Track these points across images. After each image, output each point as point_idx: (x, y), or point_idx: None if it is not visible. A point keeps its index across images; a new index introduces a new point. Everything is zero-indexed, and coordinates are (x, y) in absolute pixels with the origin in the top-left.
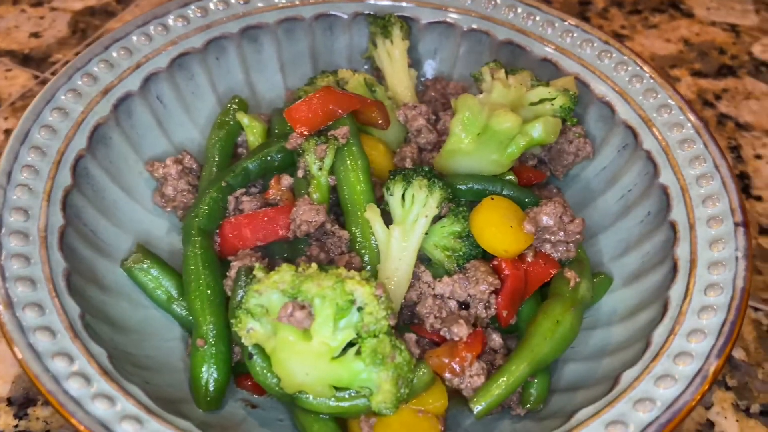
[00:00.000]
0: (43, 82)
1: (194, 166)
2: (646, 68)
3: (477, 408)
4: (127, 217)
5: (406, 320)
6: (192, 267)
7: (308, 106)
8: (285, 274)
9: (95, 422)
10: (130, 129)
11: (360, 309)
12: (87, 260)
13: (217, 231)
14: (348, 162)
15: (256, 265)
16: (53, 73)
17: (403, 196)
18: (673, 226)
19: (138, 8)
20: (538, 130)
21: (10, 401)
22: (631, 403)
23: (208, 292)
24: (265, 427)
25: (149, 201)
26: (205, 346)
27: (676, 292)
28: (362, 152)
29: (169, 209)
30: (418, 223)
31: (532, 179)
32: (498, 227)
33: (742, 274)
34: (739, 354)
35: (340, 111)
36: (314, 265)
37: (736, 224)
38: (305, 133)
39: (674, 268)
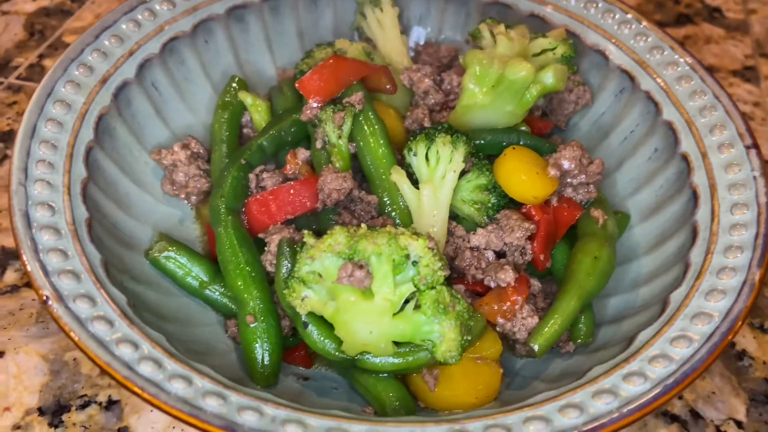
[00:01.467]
0: (9, 88)
1: (201, 151)
2: (631, 14)
3: (536, 346)
4: (140, 208)
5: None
6: (228, 247)
7: (320, 75)
8: (339, 236)
9: (179, 401)
10: (131, 118)
11: (415, 263)
12: (115, 251)
13: (243, 210)
14: (366, 127)
15: (305, 232)
16: (19, 78)
17: (426, 155)
18: (685, 158)
19: (95, 5)
20: (549, 77)
21: (41, 411)
22: (688, 319)
23: (248, 269)
24: (324, 396)
25: (158, 191)
26: (256, 323)
27: (702, 216)
28: (377, 117)
29: (182, 196)
30: (447, 178)
31: (542, 129)
32: (526, 174)
33: (763, 190)
34: None
35: (351, 78)
36: (364, 226)
37: (747, 147)
38: (320, 103)
39: (695, 195)
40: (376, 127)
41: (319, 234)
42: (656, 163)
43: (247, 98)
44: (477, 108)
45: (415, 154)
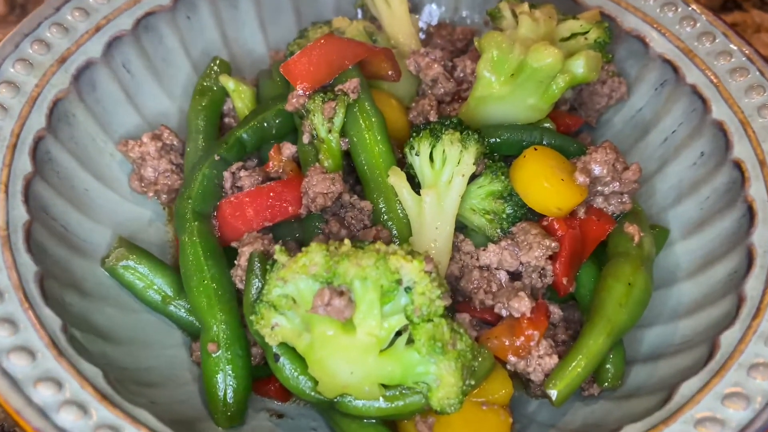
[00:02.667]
0: None
1: (175, 143)
2: None
3: (554, 393)
4: (102, 207)
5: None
6: (192, 258)
7: (308, 57)
8: (315, 254)
9: None
10: (95, 103)
11: (409, 290)
12: (61, 261)
13: (215, 214)
14: (361, 120)
15: (276, 247)
16: None
17: (431, 155)
18: (738, 165)
19: None
20: (580, 66)
21: None
22: (744, 370)
23: (214, 285)
24: None
25: (126, 187)
26: (219, 351)
27: (760, 237)
28: (375, 108)
29: (150, 195)
30: (454, 183)
31: (571, 126)
32: (549, 180)
33: None
34: None
35: (346, 62)
36: (348, 242)
37: None
38: (308, 90)
39: (750, 211)
40: (373, 120)
41: (302, 246)
42: (702, 169)
43: (228, 83)
44: (493, 100)
45: (417, 154)
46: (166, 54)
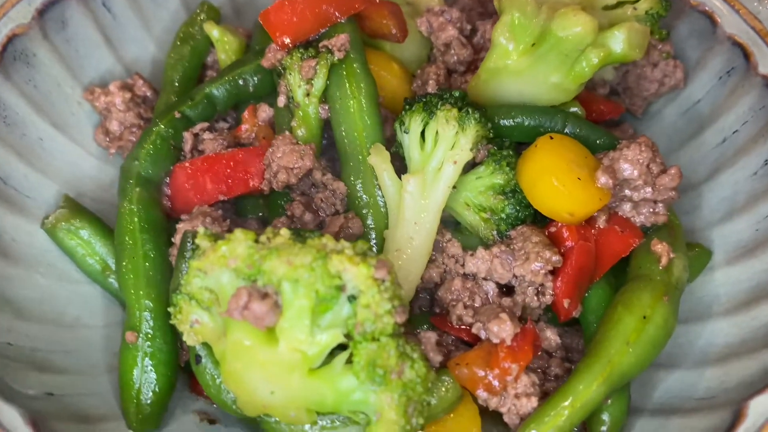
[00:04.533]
0: None
1: (148, 94)
2: None
3: None
4: (56, 160)
5: (424, 307)
6: (126, 229)
7: (292, 6)
8: (238, 244)
9: None
10: (65, 44)
11: (352, 299)
12: None
13: (167, 180)
14: (347, 85)
15: (200, 228)
16: None
17: (423, 134)
18: None
19: None
20: (618, 40)
21: None
22: None
23: (146, 264)
24: None
25: (91, 140)
26: (138, 342)
27: None
28: (367, 72)
29: (113, 150)
30: (443, 171)
31: (605, 114)
32: (559, 178)
33: None
34: None
35: (336, 13)
36: (285, 232)
37: None
38: (288, 44)
39: None
40: (362, 85)
41: (266, 225)
42: (764, 182)
43: (213, 31)
44: (508, 73)
45: (406, 131)
46: None
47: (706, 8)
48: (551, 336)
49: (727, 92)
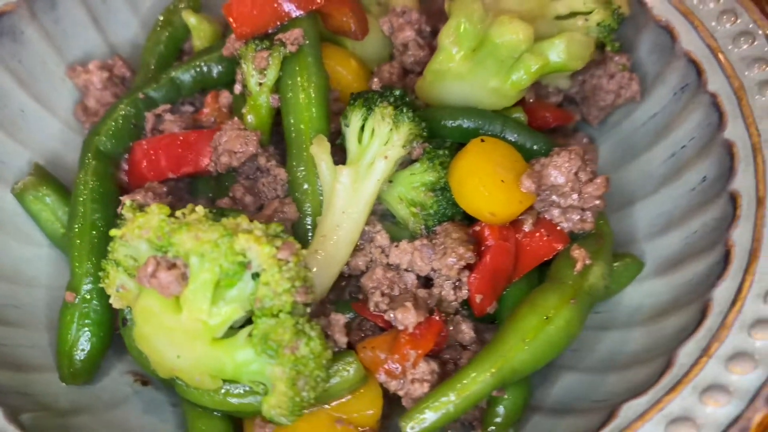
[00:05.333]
0: None
1: (127, 75)
2: None
3: (408, 429)
4: (35, 131)
5: (354, 293)
6: (80, 198)
7: (251, 0)
8: (152, 217)
9: None
10: (53, 24)
11: (256, 276)
12: None
13: (126, 156)
14: (298, 77)
15: (127, 201)
16: None
17: (363, 129)
18: (733, 199)
19: None
20: (557, 50)
21: None
22: None
23: (93, 233)
24: (150, 414)
25: (71, 114)
26: (76, 301)
27: (722, 294)
28: (319, 66)
29: (87, 126)
30: (375, 166)
31: (551, 121)
32: (484, 180)
33: None
34: None
35: (294, 7)
36: (200, 209)
37: None
38: (246, 35)
39: (726, 259)
40: (313, 79)
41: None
42: (700, 197)
43: (190, 18)
44: (451, 76)
45: (347, 125)
46: None
47: (669, 23)
48: (466, 330)
49: (680, 108)
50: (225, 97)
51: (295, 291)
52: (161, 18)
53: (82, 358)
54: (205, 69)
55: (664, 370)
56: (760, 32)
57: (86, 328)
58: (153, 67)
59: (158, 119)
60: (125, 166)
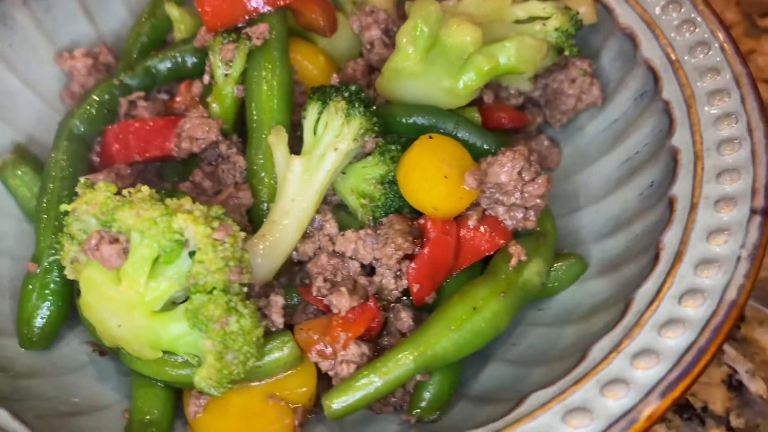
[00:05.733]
0: None
1: (112, 63)
2: None
3: (329, 407)
4: (20, 112)
5: (304, 278)
6: (50, 175)
7: None
8: (98, 194)
9: None
10: (44, 11)
11: (192, 254)
12: None
13: (99, 139)
14: (263, 70)
15: (81, 179)
16: None
17: (318, 121)
18: (670, 204)
19: None
20: (507, 53)
21: None
22: None
23: (59, 209)
24: (102, 382)
25: (57, 98)
26: (38, 271)
27: (644, 294)
28: (284, 60)
29: None
30: (326, 157)
31: (507, 122)
32: (426, 175)
33: (738, 282)
34: (757, 386)
35: (262, 3)
36: (146, 189)
37: (753, 211)
38: (216, 28)
39: (654, 260)
40: (276, 72)
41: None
42: (646, 202)
43: (173, 11)
44: (407, 75)
45: (304, 117)
46: None
47: (633, 31)
48: (405, 317)
49: (637, 113)
50: (197, 86)
51: (229, 270)
52: (147, 9)
53: (40, 325)
54: (179, 59)
55: (577, 364)
56: (716, 44)
57: (46, 298)
58: (135, 56)
59: (132, 105)
60: (98, 149)
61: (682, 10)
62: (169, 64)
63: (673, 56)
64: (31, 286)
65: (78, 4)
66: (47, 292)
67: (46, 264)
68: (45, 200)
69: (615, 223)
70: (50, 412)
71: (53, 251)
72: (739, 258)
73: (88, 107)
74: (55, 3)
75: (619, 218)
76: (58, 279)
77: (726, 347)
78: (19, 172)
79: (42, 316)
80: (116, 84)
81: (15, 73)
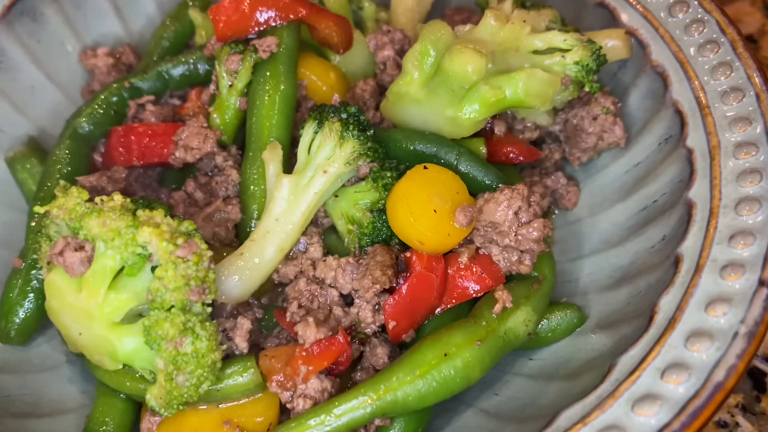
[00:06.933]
0: None
1: (135, 63)
2: (728, 32)
3: None
4: (42, 106)
5: (284, 301)
6: (49, 171)
7: (235, 5)
8: (69, 199)
9: None
10: (74, 9)
11: (154, 269)
12: None
13: (103, 140)
14: (267, 84)
15: (62, 182)
16: None
17: (313, 141)
18: (676, 263)
19: None
20: (515, 86)
21: None
22: None
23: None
24: (73, 384)
25: (79, 94)
26: (23, 267)
27: (626, 361)
28: (290, 75)
29: None
30: (315, 179)
31: (516, 157)
32: (413, 207)
33: (729, 362)
34: None
35: (275, 15)
36: (117, 198)
37: (762, 282)
38: (227, 38)
39: (647, 324)
40: (281, 87)
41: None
42: (655, 257)
43: (196, 15)
44: (410, 100)
45: (301, 135)
46: None
47: (663, 70)
48: (381, 354)
49: (660, 159)
50: (207, 94)
51: (189, 289)
52: (172, 13)
53: (18, 321)
54: (192, 66)
55: (543, 430)
56: (752, 91)
57: (27, 295)
58: (155, 58)
59: (140, 108)
60: (102, 149)
61: (719, 51)
62: (181, 70)
63: (703, 101)
64: (14, 282)
65: (110, 4)
66: (28, 288)
67: (30, 261)
68: (39, 197)
69: (621, 275)
70: (4, 412)
71: (40, 249)
72: (736, 334)
73: (96, 107)
74: (87, 2)
75: (627, 271)
76: (40, 277)
77: (741, 420)
78: (27, 165)
79: (21, 312)
80: (126, 86)
81: (40, 67)
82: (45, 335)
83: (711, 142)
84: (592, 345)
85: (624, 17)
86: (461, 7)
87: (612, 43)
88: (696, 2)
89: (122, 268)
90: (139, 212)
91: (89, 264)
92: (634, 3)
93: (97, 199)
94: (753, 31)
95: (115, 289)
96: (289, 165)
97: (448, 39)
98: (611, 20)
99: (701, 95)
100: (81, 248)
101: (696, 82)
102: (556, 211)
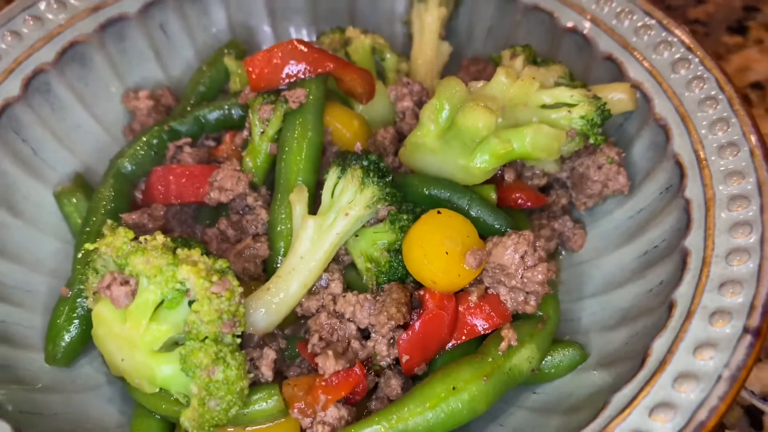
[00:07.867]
0: None
1: (173, 105)
2: (726, 89)
3: None
4: (87, 144)
5: (306, 333)
6: (94, 208)
7: (268, 58)
8: (117, 238)
9: None
10: (119, 54)
11: (191, 303)
12: (8, 176)
13: (144, 179)
14: (296, 132)
15: (108, 221)
16: None
17: (337, 185)
18: (670, 308)
19: None
20: (522, 140)
21: None
22: None
23: (98, 240)
24: (112, 404)
25: (121, 134)
26: (69, 296)
27: (618, 399)
28: (317, 124)
29: None
30: (337, 221)
31: (524, 203)
32: (427, 249)
33: (711, 404)
34: None
35: (305, 69)
36: (159, 238)
37: (746, 330)
38: (260, 88)
39: (640, 365)
40: (308, 135)
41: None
42: (653, 301)
43: (231, 63)
44: (426, 150)
45: (326, 179)
46: (208, 23)
47: (666, 123)
48: (395, 385)
49: (661, 207)
50: (240, 137)
51: (222, 323)
52: (209, 59)
53: (64, 344)
54: (227, 111)
55: None
56: (746, 147)
57: (72, 321)
58: (192, 102)
59: (178, 150)
60: (143, 187)
61: (718, 107)
62: (217, 114)
63: (701, 154)
64: (61, 308)
65: (151, 50)
66: (74, 315)
67: (76, 290)
68: (86, 232)
69: (622, 316)
70: (54, 430)
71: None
72: (719, 377)
73: (138, 148)
74: (131, 47)
75: (627, 312)
76: (85, 305)
77: None
78: (74, 200)
79: (67, 336)
80: (166, 129)
81: (86, 108)
82: (87, 356)
83: (707, 194)
84: (592, 381)
85: (630, 71)
86: (477, 58)
87: (618, 96)
88: (697, 60)
89: (162, 302)
90: (179, 251)
91: (133, 297)
92: (640, 58)
93: (141, 239)
94: (761, 78)
95: (155, 320)
96: (314, 205)
97: (462, 95)
98: (618, 74)
99: (699, 149)
100: (126, 283)
101: (695, 136)
102: (563, 253)
